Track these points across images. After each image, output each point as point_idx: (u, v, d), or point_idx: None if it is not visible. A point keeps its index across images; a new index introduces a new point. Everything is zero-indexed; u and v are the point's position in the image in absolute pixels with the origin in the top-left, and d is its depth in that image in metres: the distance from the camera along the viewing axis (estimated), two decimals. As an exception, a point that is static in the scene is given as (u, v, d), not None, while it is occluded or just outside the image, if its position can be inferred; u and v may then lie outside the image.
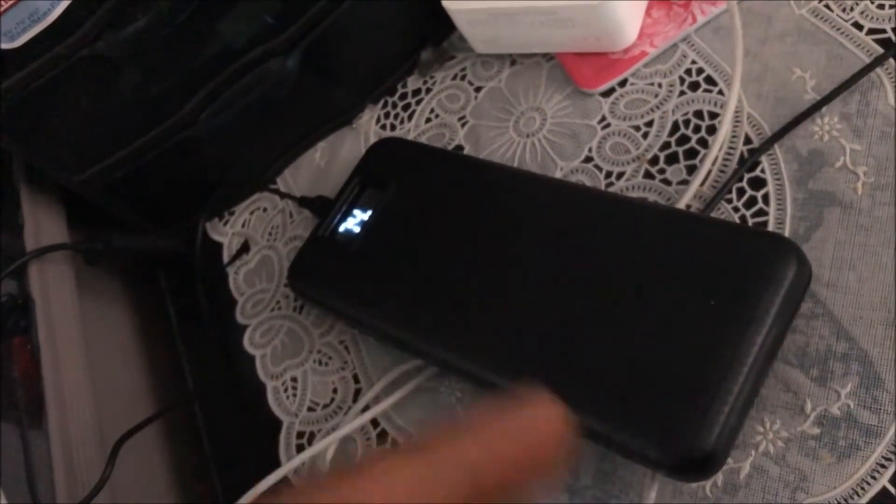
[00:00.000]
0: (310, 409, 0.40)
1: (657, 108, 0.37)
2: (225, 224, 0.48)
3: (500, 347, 0.31)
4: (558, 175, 0.38)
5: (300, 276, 0.40)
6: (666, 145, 0.36)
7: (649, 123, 0.37)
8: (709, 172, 0.34)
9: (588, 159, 0.38)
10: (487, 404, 0.17)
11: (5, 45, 0.34)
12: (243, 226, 0.48)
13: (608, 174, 0.37)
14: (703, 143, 0.35)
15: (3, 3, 0.33)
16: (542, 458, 0.17)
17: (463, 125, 0.43)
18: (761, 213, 0.33)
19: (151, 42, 0.37)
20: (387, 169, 0.40)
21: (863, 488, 0.27)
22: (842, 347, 0.29)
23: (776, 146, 0.34)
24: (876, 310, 0.29)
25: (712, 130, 0.35)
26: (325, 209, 0.41)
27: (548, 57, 0.41)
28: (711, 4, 0.37)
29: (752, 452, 0.29)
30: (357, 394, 0.39)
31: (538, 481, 0.17)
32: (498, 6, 0.38)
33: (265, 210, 0.47)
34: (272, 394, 0.41)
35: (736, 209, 0.34)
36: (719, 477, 0.30)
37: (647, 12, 0.38)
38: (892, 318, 0.29)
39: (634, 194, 0.36)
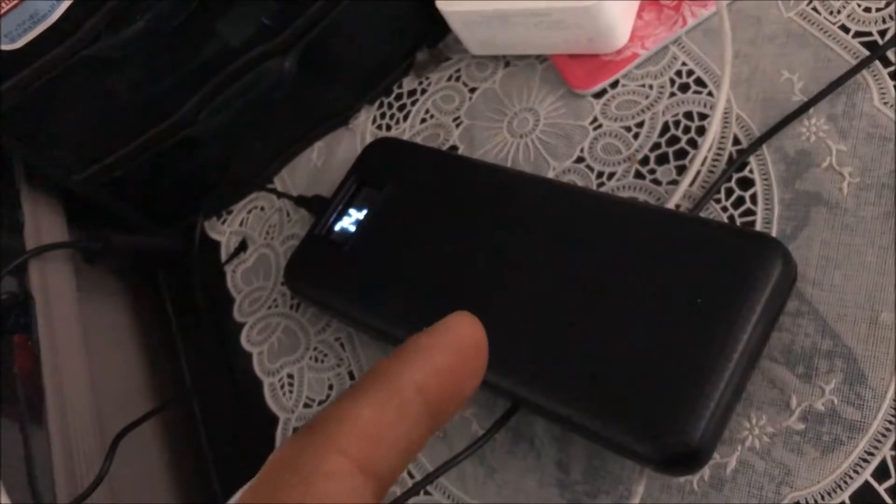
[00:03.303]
0: (306, 406, 0.41)
1: (648, 109, 0.38)
2: (223, 223, 0.49)
3: (490, 344, 0.32)
4: (551, 175, 0.39)
5: (296, 275, 0.40)
6: (656, 146, 0.37)
7: (640, 124, 0.38)
8: (698, 173, 0.35)
9: (580, 159, 0.39)
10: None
11: (6, 47, 0.35)
12: (241, 224, 0.48)
13: (599, 174, 0.38)
14: (693, 143, 0.36)
15: (4, 4, 0.34)
16: (472, 363, 0.18)
17: (457, 125, 0.43)
18: (749, 212, 0.34)
19: (150, 43, 0.37)
20: (382, 169, 0.40)
21: (846, 482, 0.28)
22: (827, 345, 0.30)
23: (764, 147, 0.34)
24: (860, 308, 0.30)
25: (702, 131, 0.36)
26: (322, 208, 0.41)
27: (541, 58, 0.42)
28: (701, 7, 0.38)
29: (739, 447, 0.30)
30: (352, 390, 0.40)
31: (472, 388, 0.18)
32: (492, 8, 0.39)
33: (263, 209, 0.48)
34: (269, 390, 0.42)
35: (724, 209, 0.34)
36: (706, 471, 0.30)
37: (639, 15, 0.39)
38: (876, 316, 0.29)
39: (625, 194, 0.37)
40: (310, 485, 0.15)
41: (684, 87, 0.37)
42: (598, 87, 0.39)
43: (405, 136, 0.45)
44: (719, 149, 0.35)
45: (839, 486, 0.28)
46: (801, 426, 0.29)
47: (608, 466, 0.32)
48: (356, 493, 0.15)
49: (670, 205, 0.34)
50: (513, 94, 0.42)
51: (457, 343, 0.18)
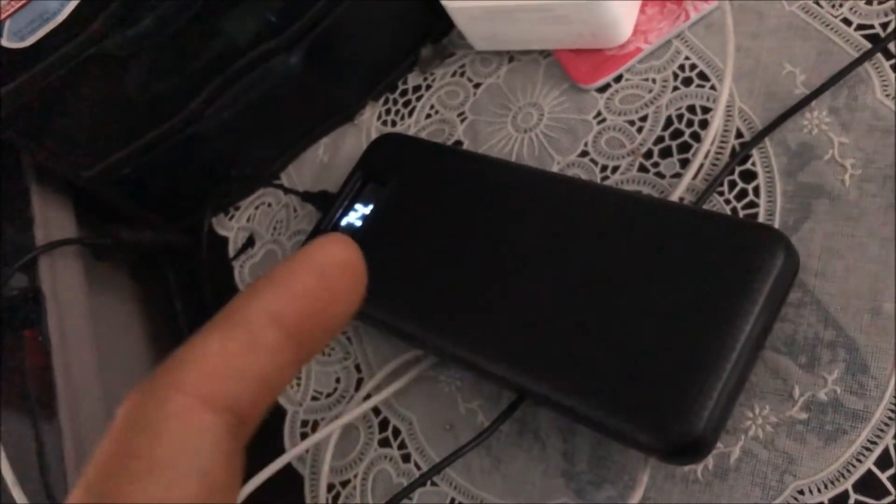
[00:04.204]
0: (313, 399, 0.41)
1: (651, 103, 0.38)
2: (230, 219, 0.49)
3: (496, 336, 0.32)
4: (555, 169, 0.39)
5: (303, 269, 0.41)
6: (660, 139, 0.37)
7: (643, 118, 0.38)
8: (701, 166, 0.35)
9: (584, 153, 0.39)
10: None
11: (16, 45, 0.35)
12: (248, 220, 0.48)
13: (603, 168, 0.38)
14: (696, 137, 0.36)
15: (13, 3, 0.34)
16: (338, 285, 0.16)
17: (462, 121, 0.44)
18: (752, 204, 0.34)
19: (157, 41, 0.38)
20: (388, 164, 0.41)
21: (849, 471, 0.28)
22: (829, 335, 0.30)
23: (767, 140, 0.34)
24: (862, 298, 0.30)
25: (705, 125, 0.36)
26: (328, 204, 0.41)
27: (545, 54, 0.42)
28: (704, 1, 0.38)
29: (742, 437, 0.30)
30: (359, 383, 0.40)
31: (343, 312, 0.17)
32: (496, 4, 0.39)
33: (270, 205, 0.48)
34: (277, 384, 0.42)
35: (727, 201, 0.34)
36: (710, 461, 0.30)
37: (642, 9, 0.39)
38: (879, 306, 0.30)
39: (629, 187, 0.37)
40: (155, 429, 0.14)
41: (687, 81, 0.38)
42: (601, 82, 0.39)
43: (410, 132, 0.45)
44: (722, 142, 0.35)
45: (842, 475, 0.28)
46: (804, 416, 0.29)
47: (613, 456, 0.32)
48: (206, 431, 0.14)
49: (674, 198, 0.35)
50: (517, 89, 0.43)
51: (318, 266, 0.16)
